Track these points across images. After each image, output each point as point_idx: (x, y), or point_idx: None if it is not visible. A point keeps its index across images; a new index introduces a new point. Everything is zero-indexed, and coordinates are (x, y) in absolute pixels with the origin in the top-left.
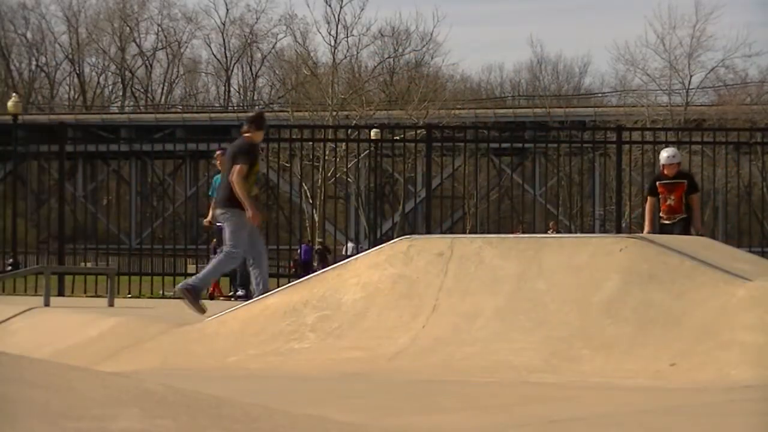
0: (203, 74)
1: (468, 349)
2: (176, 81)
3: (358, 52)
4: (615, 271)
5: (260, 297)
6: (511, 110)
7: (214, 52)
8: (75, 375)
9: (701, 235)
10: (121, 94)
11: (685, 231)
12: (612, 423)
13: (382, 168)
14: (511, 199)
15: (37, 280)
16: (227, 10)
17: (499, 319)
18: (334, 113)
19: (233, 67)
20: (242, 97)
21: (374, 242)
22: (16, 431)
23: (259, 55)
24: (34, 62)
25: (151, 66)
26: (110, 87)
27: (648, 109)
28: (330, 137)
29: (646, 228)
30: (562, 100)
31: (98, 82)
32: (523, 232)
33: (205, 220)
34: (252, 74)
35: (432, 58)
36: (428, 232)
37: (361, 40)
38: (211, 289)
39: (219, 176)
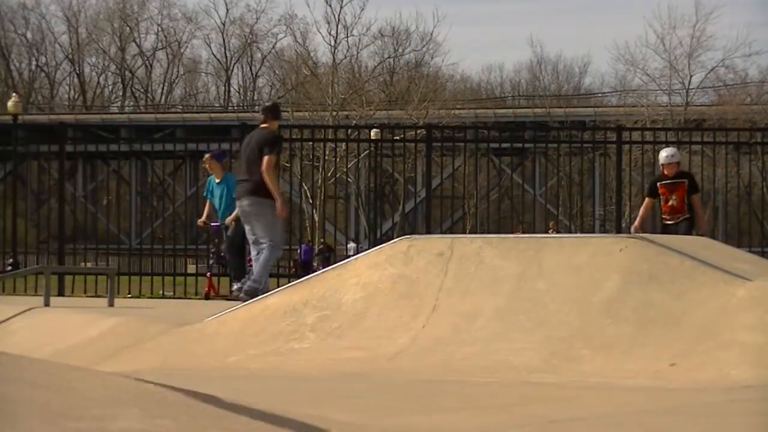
0: (203, 74)
1: (468, 349)
2: (176, 81)
3: (358, 52)
4: (615, 271)
5: (257, 294)
6: (511, 110)
7: (214, 52)
8: (75, 375)
9: (701, 235)
10: (121, 94)
11: (689, 231)
12: (612, 423)
13: (382, 168)
14: (511, 199)
15: (37, 280)
16: (227, 10)
17: (499, 319)
18: (334, 113)
19: (233, 67)
20: (242, 97)
21: (374, 242)
22: (16, 431)
23: (259, 55)
24: (34, 62)
25: (151, 66)
26: (110, 87)
27: (648, 109)
28: (330, 137)
29: (635, 224)
30: (562, 100)
31: (98, 82)
32: (523, 232)
33: (199, 221)
34: (252, 74)
35: (432, 58)
36: (428, 232)
37: (361, 40)
38: (206, 289)
39: (212, 177)
